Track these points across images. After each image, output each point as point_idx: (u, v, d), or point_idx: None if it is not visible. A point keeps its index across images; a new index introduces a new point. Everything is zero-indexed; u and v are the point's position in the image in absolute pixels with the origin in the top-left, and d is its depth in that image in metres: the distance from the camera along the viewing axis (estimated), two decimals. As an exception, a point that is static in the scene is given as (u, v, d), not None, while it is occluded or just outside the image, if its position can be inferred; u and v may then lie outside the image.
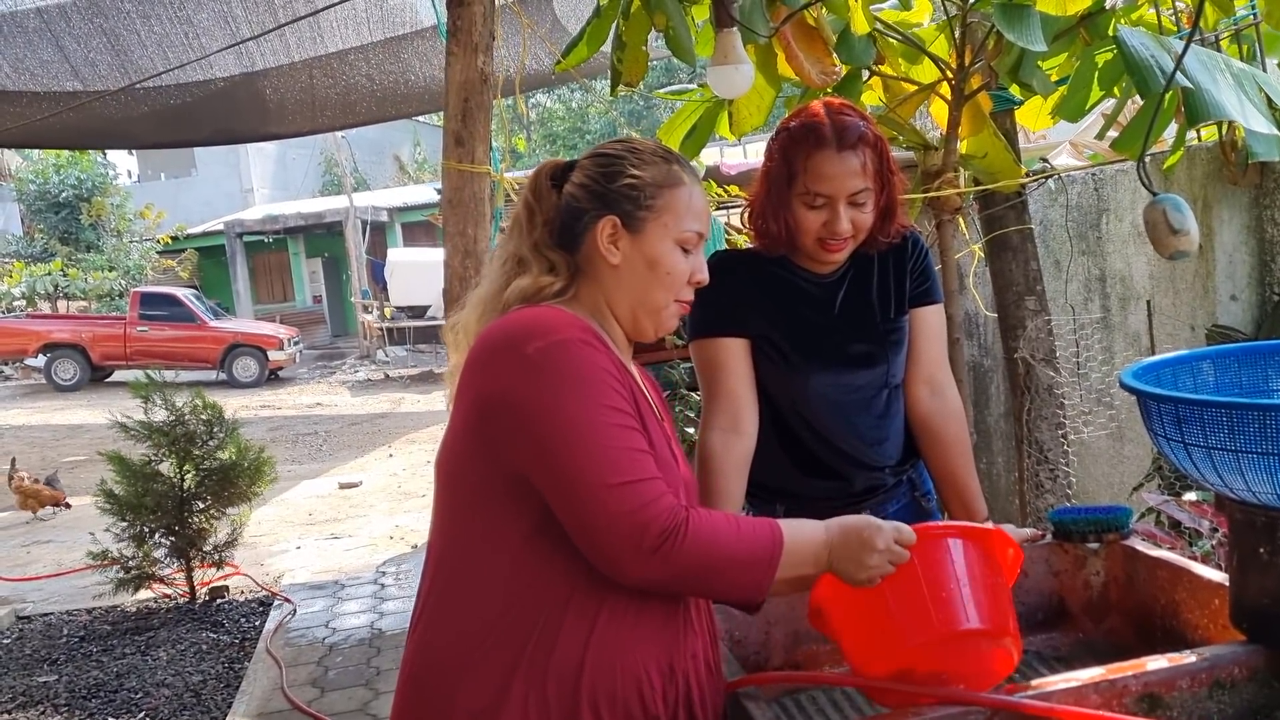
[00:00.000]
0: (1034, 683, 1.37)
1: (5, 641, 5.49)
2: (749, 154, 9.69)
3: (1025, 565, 1.94)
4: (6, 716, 4.46)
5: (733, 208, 7.19)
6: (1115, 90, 2.65)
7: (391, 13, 4.71)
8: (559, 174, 1.55)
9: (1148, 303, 4.62)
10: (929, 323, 2.02)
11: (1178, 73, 2.01)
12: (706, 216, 1.52)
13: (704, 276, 1.53)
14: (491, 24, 1.82)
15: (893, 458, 2.03)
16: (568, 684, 1.32)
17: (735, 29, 2.07)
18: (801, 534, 1.38)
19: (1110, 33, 2.49)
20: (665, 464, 1.38)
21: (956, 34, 2.70)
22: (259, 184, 27.47)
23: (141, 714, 4.31)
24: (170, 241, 22.67)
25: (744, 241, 5.81)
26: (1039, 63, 2.60)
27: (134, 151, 26.11)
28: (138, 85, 4.75)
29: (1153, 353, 4.56)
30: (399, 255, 20.84)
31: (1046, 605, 1.92)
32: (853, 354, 1.96)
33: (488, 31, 1.82)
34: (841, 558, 1.37)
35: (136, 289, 19.20)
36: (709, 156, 7.49)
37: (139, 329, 17.53)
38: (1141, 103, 2.43)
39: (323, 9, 4.19)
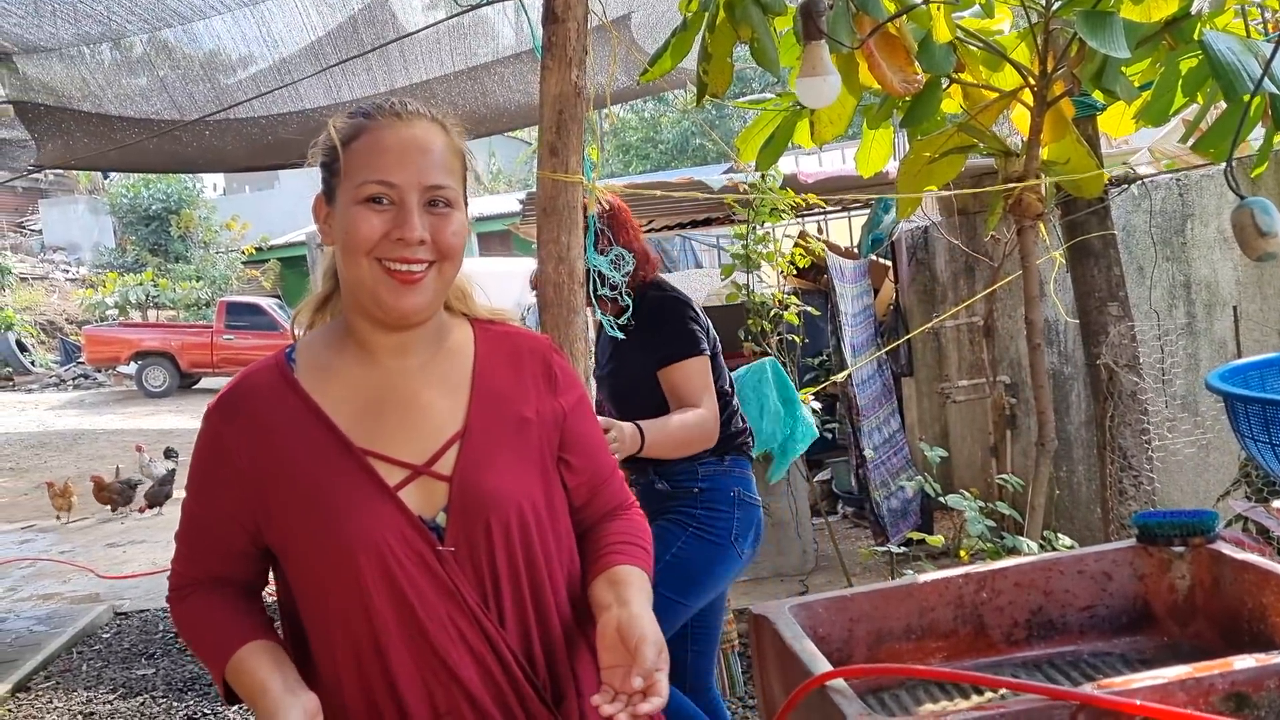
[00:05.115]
0: (1119, 680, 1.38)
1: (105, 636, 5.72)
2: (824, 162, 9.68)
3: (1109, 568, 1.95)
4: (109, 706, 4.66)
5: (810, 216, 7.21)
6: (1199, 96, 2.63)
7: (472, 46, 4.83)
8: None
9: (1234, 308, 4.54)
10: None
11: (1266, 79, 2.00)
12: (403, 162, 1.34)
13: (405, 232, 1.32)
14: (584, 40, 1.89)
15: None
16: None
17: (823, 41, 2.11)
18: (256, 665, 1.35)
19: (1195, 38, 2.48)
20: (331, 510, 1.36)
21: (1039, 41, 2.70)
22: (339, 196, 27.94)
23: (235, 708, 4.46)
24: (254, 252, 23.27)
25: (820, 248, 5.84)
26: (1122, 69, 2.59)
27: (220, 165, 26.79)
28: (231, 116, 4.95)
29: (1239, 360, 4.48)
30: (476, 265, 21.06)
31: (1131, 609, 1.92)
32: None
33: (580, 46, 1.89)
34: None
35: (223, 298, 19.78)
36: (785, 165, 7.51)
37: (225, 337, 18.04)
38: (1225, 107, 2.42)
39: (405, 36, 4.32)
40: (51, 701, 4.75)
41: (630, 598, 1.36)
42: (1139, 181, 4.38)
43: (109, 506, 8.96)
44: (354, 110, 1.41)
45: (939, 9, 2.47)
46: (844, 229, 8.37)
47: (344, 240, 1.35)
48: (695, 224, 7.07)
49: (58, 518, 8.97)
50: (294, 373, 1.42)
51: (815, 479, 6.04)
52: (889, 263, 6.57)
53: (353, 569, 1.33)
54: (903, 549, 4.90)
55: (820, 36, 2.13)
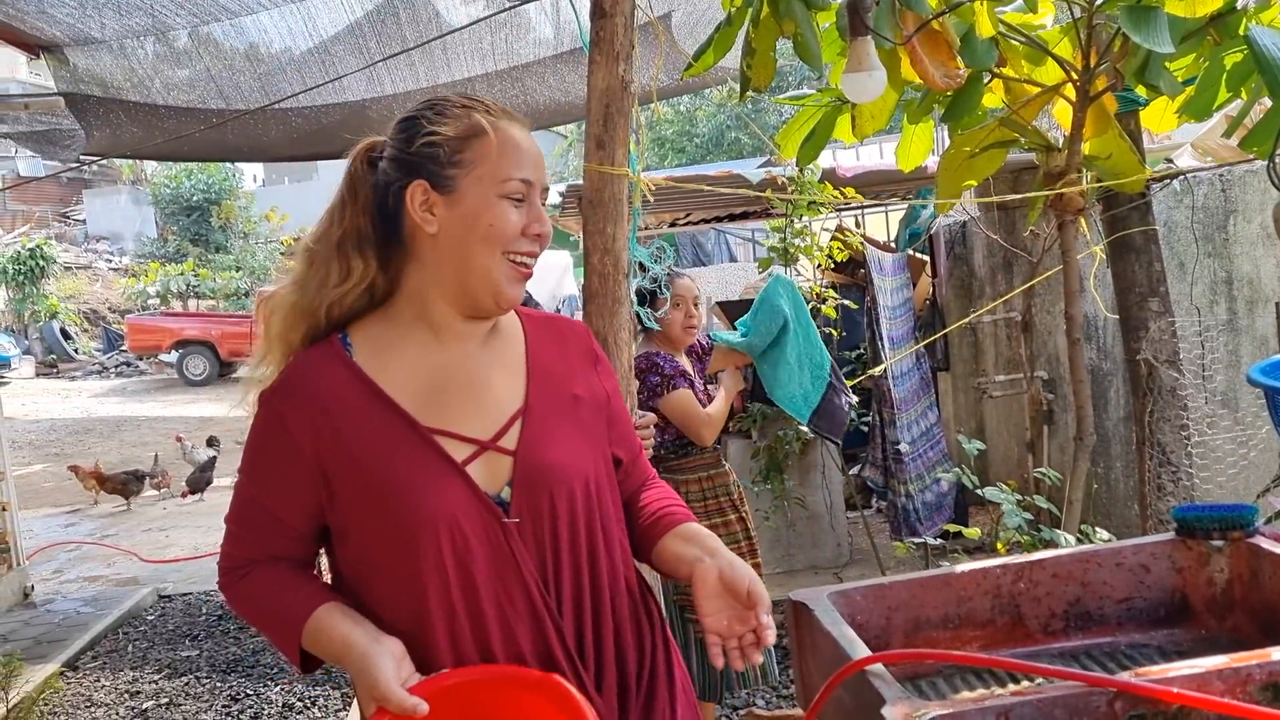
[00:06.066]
0: (1156, 669, 1.40)
1: (150, 618, 5.84)
2: (862, 157, 9.65)
3: (1147, 561, 1.96)
4: (155, 685, 4.76)
5: (847, 210, 7.20)
6: (1243, 92, 2.62)
7: (512, 43, 4.88)
8: (378, 153, 1.48)
9: (1276, 305, 4.51)
10: None
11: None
12: (533, 161, 1.41)
13: (543, 227, 1.42)
14: (631, 34, 1.92)
15: None
16: None
17: (869, 36, 2.13)
18: (335, 623, 1.37)
19: (1240, 33, 2.48)
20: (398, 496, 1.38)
21: (1082, 36, 2.70)
22: (376, 187, 28.22)
23: (278, 688, 4.55)
24: (293, 243, 23.40)
25: (857, 242, 5.84)
26: (1165, 64, 2.59)
27: (260, 156, 27.14)
28: (275, 105, 5.02)
29: (1282, 357, 4.44)
30: (510, 256, 21.20)
31: (1169, 601, 1.93)
32: None
33: (628, 41, 1.92)
34: (355, 676, 1.34)
35: (262, 288, 19.97)
36: (823, 159, 7.50)
37: (264, 327, 18.21)
38: (1270, 103, 2.42)
39: (447, 34, 4.37)
40: (99, 680, 4.86)
41: (717, 548, 1.45)
42: (1181, 177, 4.35)
43: (119, 497, 9.10)
44: (465, 102, 1.44)
45: (982, 4, 2.48)
46: (880, 224, 8.35)
47: (487, 232, 1.39)
48: (731, 217, 7.09)
49: (95, 502, 9.15)
50: (352, 357, 1.44)
51: (850, 472, 6.04)
52: (926, 257, 6.56)
53: (420, 545, 1.36)
54: (938, 542, 4.90)
55: (866, 32, 2.15)
